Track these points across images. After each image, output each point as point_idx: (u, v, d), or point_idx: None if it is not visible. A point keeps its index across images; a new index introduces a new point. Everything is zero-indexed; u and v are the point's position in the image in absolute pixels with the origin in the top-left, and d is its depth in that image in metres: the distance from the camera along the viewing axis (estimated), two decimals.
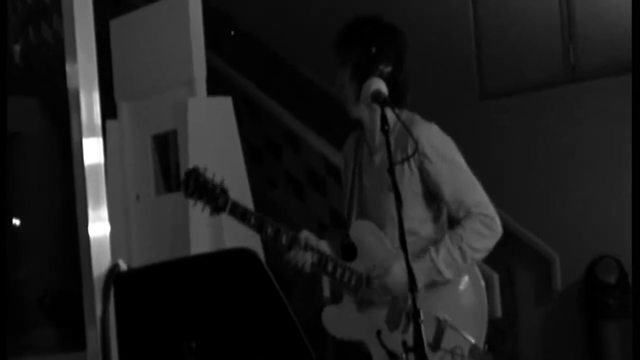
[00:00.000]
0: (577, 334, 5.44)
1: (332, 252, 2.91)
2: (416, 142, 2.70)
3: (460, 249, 2.76)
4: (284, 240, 2.81)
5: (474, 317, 2.79)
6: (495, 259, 2.90)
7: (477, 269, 2.87)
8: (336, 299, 2.95)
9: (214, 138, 4.52)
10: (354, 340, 2.89)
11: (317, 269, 2.85)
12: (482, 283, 2.85)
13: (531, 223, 5.60)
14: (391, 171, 2.41)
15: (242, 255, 2.15)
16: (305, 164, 5.82)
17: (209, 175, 2.87)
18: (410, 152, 2.78)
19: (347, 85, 2.83)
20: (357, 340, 2.88)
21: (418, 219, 2.86)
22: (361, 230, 2.90)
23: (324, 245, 2.91)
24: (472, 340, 2.73)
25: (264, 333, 2.13)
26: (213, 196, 2.84)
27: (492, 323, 2.86)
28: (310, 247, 2.83)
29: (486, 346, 2.76)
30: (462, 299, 2.80)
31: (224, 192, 2.86)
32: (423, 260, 2.77)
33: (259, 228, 2.81)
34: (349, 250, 2.92)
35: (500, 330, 5.48)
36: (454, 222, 2.92)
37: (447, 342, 2.73)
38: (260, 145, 6.18)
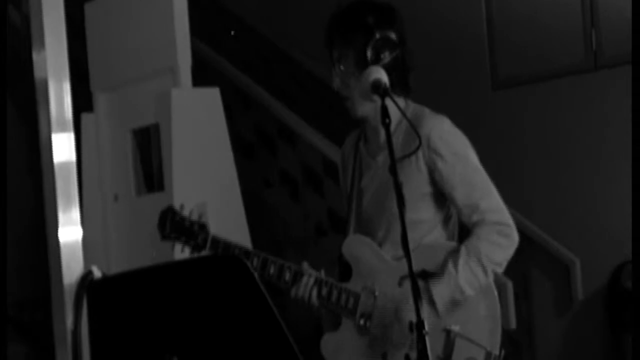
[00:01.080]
0: (600, 348, 5.38)
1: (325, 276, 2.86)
2: (420, 137, 2.66)
3: (480, 263, 2.71)
4: (272, 270, 2.78)
5: (486, 322, 2.75)
6: (509, 265, 2.89)
7: None
8: (334, 325, 2.88)
9: (200, 133, 4.50)
10: None
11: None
12: (492, 284, 2.78)
13: (548, 224, 5.55)
14: (393, 169, 2.35)
15: (228, 261, 2.14)
16: (302, 161, 5.79)
17: (185, 212, 2.88)
18: (414, 146, 2.71)
19: (351, 79, 2.74)
20: None
21: (427, 223, 2.81)
22: (354, 247, 2.86)
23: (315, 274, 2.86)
24: (487, 348, 2.70)
25: (252, 346, 2.11)
26: (191, 235, 2.85)
27: (507, 336, 2.84)
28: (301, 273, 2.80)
29: (503, 351, 2.73)
30: (471, 305, 2.76)
31: (203, 227, 2.85)
32: (443, 280, 2.72)
33: None
34: (343, 270, 2.87)
35: (516, 343, 5.47)
36: (465, 228, 2.87)
37: (458, 355, 2.71)
38: (252, 140, 6.17)
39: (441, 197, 2.83)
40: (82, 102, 4.55)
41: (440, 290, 2.70)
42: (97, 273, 2.12)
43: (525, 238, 5.37)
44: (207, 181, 4.51)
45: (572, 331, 5.53)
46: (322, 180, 5.61)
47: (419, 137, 2.66)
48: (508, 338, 5.23)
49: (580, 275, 5.46)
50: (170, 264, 2.18)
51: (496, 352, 2.72)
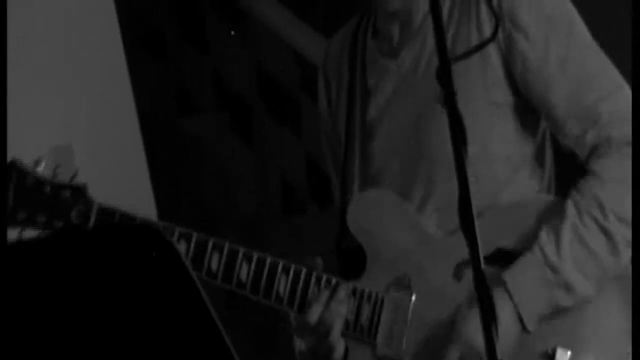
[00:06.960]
0: None
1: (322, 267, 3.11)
2: (495, 10, 2.93)
3: (605, 229, 2.98)
4: (214, 264, 3.12)
5: (627, 340, 3.03)
6: None
7: None
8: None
9: None
10: None
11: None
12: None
13: None
14: (444, 72, 2.44)
15: (138, 233, 2.44)
16: (259, 63, 6.01)
17: (43, 167, 3.22)
18: (488, 29, 3.06)
19: None
20: None
21: (507, 160, 3.13)
22: (370, 210, 3.20)
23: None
24: None
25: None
26: (60, 209, 3.25)
27: None
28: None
29: None
30: (595, 308, 3.05)
31: (80, 193, 3.24)
32: (530, 271, 3.02)
33: None
34: (350, 260, 3.23)
35: None
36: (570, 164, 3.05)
37: None
38: (164, 24, 6.40)
39: (530, 112, 3.10)
40: None
41: (527, 290, 2.94)
42: None
43: None
44: (70, 101, 4.79)
45: None
46: (297, 100, 5.86)
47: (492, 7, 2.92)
48: None
49: None
50: (42, 240, 2.41)
51: None
